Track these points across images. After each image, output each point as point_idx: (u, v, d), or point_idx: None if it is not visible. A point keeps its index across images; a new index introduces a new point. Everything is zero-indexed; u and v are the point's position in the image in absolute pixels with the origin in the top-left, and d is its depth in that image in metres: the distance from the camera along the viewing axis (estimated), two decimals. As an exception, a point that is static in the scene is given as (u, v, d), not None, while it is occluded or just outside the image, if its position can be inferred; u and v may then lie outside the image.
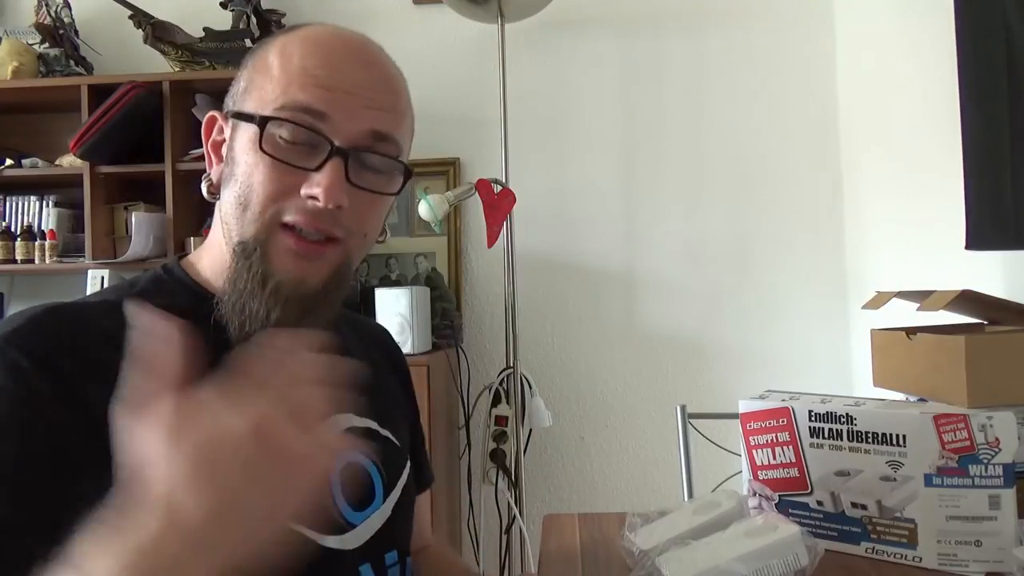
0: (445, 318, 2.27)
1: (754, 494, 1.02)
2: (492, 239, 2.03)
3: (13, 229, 2.40)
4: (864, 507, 0.94)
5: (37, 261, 2.34)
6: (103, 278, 2.25)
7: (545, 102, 2.44)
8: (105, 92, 2.20)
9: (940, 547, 0.89)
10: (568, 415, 2.40)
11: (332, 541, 0.68)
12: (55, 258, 2.34)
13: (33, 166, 2.35)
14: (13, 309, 2.55)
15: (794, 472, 0.99)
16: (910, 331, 1.10)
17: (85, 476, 0.56)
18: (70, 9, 2.44)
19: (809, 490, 0.99)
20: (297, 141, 0.65)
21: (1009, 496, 0.87)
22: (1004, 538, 0.87)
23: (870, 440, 0.94)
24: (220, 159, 0.71)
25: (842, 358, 2.32)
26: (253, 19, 2.34)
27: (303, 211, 0.65)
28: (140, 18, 2.32)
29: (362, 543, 0.71)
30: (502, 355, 2.24)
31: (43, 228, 2.39)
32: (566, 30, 2.43)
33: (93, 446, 0.56)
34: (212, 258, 0.72)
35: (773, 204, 2.36)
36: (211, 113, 0.72)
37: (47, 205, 2.43)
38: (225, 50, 2.29)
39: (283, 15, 2.41)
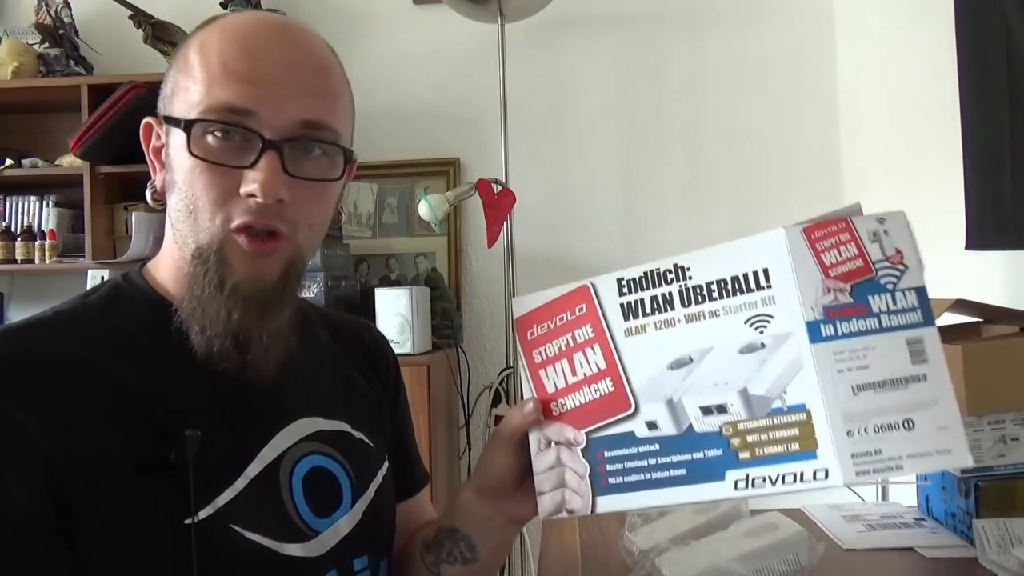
0: (445, 318, 2.27)
1: (541, 447, 0.69)
2: (492, 239, 2.03)
3: (13, 229, 2.40)
4: (722, 408, 0.61)
5: (37, 261, 2.34)
6: (103, 278, 2.25)
7: (545, 102, 2.43)
8: (105, 92, 2.20)
9: (853, 444, 0.55)
10: (568, 415, 2.40)
11: (293, 549, 0.67)
12: (55, 258, 2.34)
13: (33, 166, 2.35)
14: (13, 309, 2.55)
15: (606, 385, 0.66)
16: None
17: (40, 530, 0.58)
18: (70, 9, 2.44)
19: (632, 408, 0.65)
20: (228, 141, 0.64)
21: (934, 339, 0.57)
22: (943, 408, 0.55)
23: (715, 295, 0.63)
24: (162, 165, 0.70)
25: (842, 358, 2.31)
26: (253, 19, 2.34)
27: (248, 211, 0.64)
28: (140, 18, 2.32)
29: (327, 549, 0.70)
30: (502, 355, 2.23)
31: (43, 228, 2.39)
32: (566, 30, 2.43)
33: (49, 493, 0.58)
34: (167, 265, 0.72)
35: (773, 204, 2.36)
36: (146, 120, 0.71)
37: (47, 205, 2.43)
38: (225, 50, 2.29)
39: (283, 15, 2.40)
